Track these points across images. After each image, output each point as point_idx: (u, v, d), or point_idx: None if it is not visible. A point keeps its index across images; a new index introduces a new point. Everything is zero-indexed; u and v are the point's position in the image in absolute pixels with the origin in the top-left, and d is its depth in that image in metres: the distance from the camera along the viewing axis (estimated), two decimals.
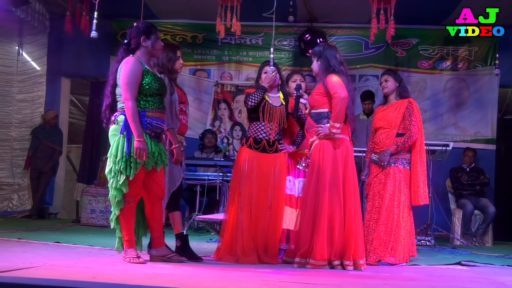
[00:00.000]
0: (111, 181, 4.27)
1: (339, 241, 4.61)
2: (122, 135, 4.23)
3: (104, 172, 8.05)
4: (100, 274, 3.58)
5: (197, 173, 8.61)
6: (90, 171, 10.12)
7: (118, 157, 4.21)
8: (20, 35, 10.20)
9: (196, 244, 5.92)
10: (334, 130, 4.73)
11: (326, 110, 4.84)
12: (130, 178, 4.22)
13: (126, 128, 4.23)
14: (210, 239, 6.99)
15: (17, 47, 10.21)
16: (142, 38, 4.41)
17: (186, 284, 3.30)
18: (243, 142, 5.25)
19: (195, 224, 8.04)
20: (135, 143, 4.19)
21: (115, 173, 4.23)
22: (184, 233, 4.99)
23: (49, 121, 9.70)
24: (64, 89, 10.40)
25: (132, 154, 4.20)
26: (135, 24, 4.51)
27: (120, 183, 4.21)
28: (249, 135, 5.18)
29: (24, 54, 10.21)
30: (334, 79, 4.78)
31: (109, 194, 4.33)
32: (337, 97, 4.68)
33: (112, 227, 4.42)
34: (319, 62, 4.96)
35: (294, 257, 4.74)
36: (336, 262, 4.60)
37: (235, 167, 5.23)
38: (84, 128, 10.92)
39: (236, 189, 5.09)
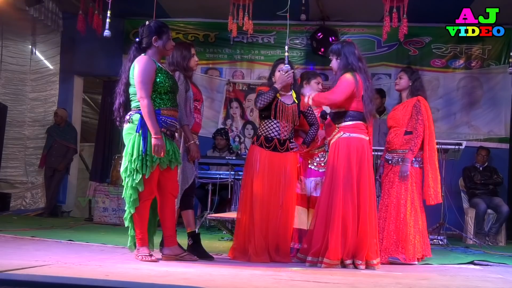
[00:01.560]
0: (127, 180, 4.28)
1: (352, 241, 4.60)
2: (138, 134, 4.25)
3: (117, 171, 8.09)
4: (113, 272, 3.60)
5: (209, 172, 8.62)
6: (103, 169, 10.16)
7: (134, 156, 4.21)
8: (34, 34, 10.28)
9: (208, 242, 5.93)
10: (307, 100, 4.89)
11: (343, 109, 4.83)
12: (146, 177, 4.24)
13: (141, 126, 4.25)
14: (222, 238, 7.00)
15: (30, 46, 10.30)
16: (154, 38, 4.42)
17: (198, 282, 3.30)
18: (253, 140, 5.20)
19: (207, 222, 8.06)
20: (153, 141, 4.20)
21: (131, 172, 4.24)
22: (196, 232, 4.99)
23: (53, 118, 9.75)
24: (76, 88, 10.45)
25: (148, 153, 4.21)
26: (147, 22, 4.51)
27: (137, 181, 4.22)
28: (260, 133, 5.14)
29: (37, 53, 10.29)
30: (343, 79, 4.78)
31: (124, 193, 4.34)
32: (328, 96, 4.81)
33: (126, 225, 4.44)
34: (338, 60, 4.94)
35: (307, 256, 4.75)
36: (348, 262, 4.59)
37: (246, 165, 5.19)
38: (96, 127, 10.97)
39: (248, 188, 5.07)
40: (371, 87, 4.96)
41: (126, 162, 4.27)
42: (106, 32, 6.20)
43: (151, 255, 4.31)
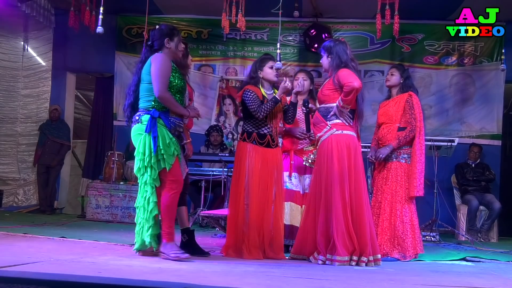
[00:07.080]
0: (141, 178, 4.33)
1: (355, 238, 4.58)
2: (147, 134, 4.27)
3: (109, 167, 8.07)
4: (106, 269, 3.59)
5: (202, 169, 8.61)
6: (95, 166, 10.14)
7: (146, 154, 4.26)
8: (26, 31, 10.25)
9: (201, 239, 5.93)
10: (342, 110, 4.73)
11: (335, 104, 4.81)
12: (167, 170, 4.27)
13: (151, 127, 4.27)
14: (215, 234, 7.00)
15: (22, 43, 10.26)
16: (166, 40, 4.48)
17: (191, 279, 3.30)
18: (244, 137, 5.10)
19: (200, 219, 8.06)
20: (190, 113, 4.51)
21: (144, 170, 4.29)
22: (190, 228, 4.99)
23: (49, 115, 9.73)
24: (69, 85, 10.43)
25: (161, 147, 4.25)
26: (157, 26, 4.62)
27: (153, 178, 4.27)
28: (251, 130, 5.08)
29: (29, 49, 10.26)
30: (345, 71, 4.74)
31: (139, 193, 4.37)
32: (351, 85, 4.61)
33: (141, 226, 4.38)
34: (329, 59, 4.92)
35: (300, 254, 4.77)
36: (354, 258, 4.57)
37: (238, 163, 5.12)
38: (89, 124, 10.95)
39: (240, 184, 5.03)
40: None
41: (138, 162, 4.32)
42: (99, 29, 6.20)
43: (183, 252, 4.29)
